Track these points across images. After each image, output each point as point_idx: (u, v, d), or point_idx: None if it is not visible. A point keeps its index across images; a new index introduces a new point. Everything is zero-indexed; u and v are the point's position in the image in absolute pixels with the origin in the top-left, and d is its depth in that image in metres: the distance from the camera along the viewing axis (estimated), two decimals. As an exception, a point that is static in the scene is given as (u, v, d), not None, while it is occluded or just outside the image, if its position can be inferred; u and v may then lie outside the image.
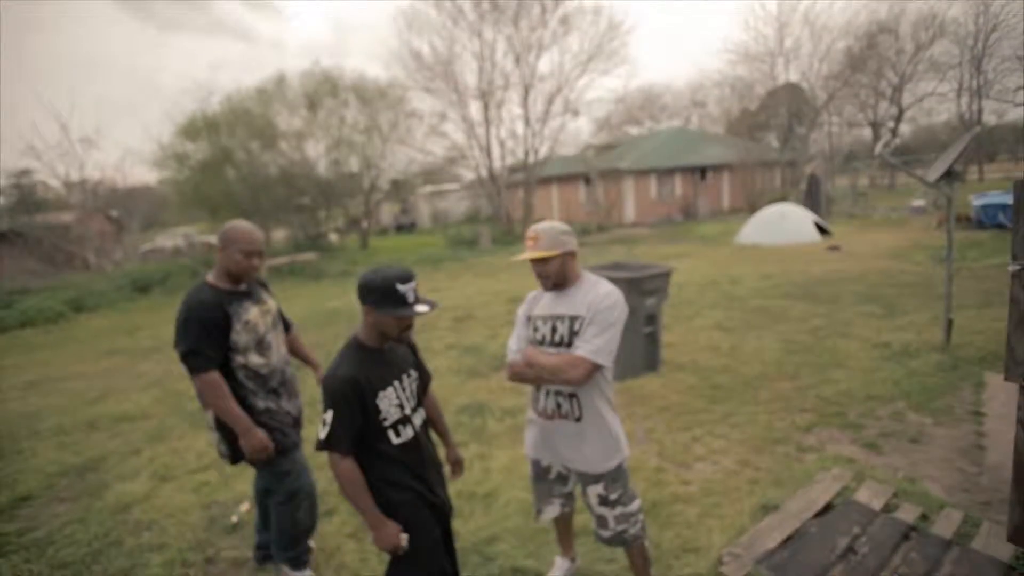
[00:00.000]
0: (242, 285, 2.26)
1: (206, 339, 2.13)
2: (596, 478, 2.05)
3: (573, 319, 1.98)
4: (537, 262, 1.99)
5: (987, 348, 4.83)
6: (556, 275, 2.01)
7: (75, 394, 5.98)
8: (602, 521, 2.10)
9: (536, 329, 2.09)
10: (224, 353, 2.19)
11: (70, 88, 53.60)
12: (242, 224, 2.25)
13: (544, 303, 2.10)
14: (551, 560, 2.53)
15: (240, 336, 2.18)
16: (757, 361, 5.13)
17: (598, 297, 1.97)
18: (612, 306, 1.95)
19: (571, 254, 2.03)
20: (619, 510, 2.06)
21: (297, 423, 2.46)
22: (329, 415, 1.66)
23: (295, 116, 17.46)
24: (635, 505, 2.11)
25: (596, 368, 1.91)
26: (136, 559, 2.85)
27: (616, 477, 2.06)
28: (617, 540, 2.10)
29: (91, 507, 3.43)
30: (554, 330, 2.03)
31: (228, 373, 2.20)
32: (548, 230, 1.99)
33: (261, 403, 2.27)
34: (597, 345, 1.91)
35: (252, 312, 2.24)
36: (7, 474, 4.02)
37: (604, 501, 2.06)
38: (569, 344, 1.98)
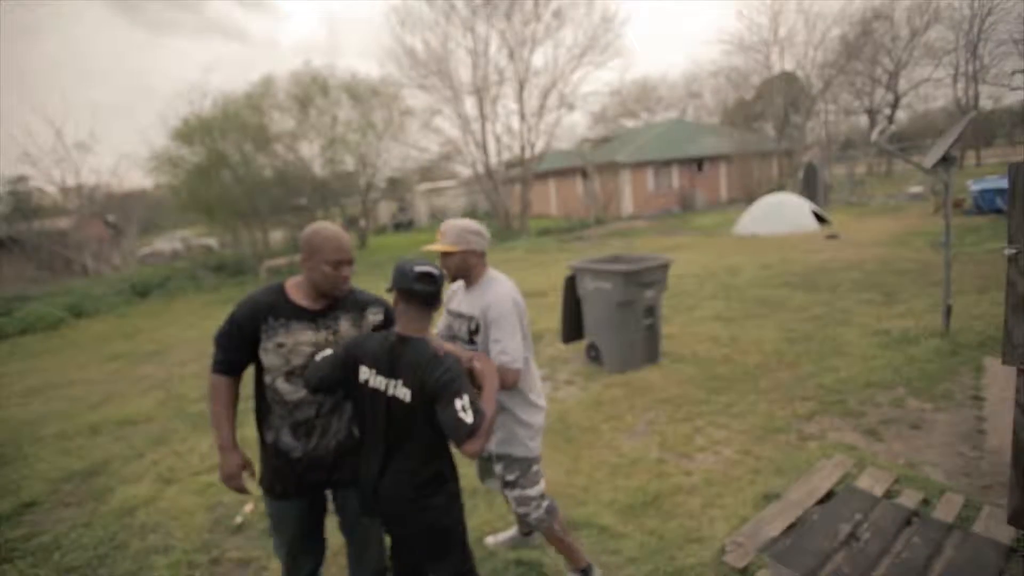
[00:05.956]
0: (320, 303, 1.92)
1: (227, 341, 1.90)
2: (498, 457, 2.23)
3: (470, 319, 2.13)
4: (440, 254, 2.11)
5: (986, 333, 4.84)
6: (455, 269, 2.13)
7: (77, 399, 5.98)
8: (509, 502, 2.29)
9: (449, 325, 2.25)
10: (246, 364, 1.94)
11: (63, 93, 53.51)
12: (326, 228, 1.91)
13: (456, 299, 2.25)
14: (553, 554, 2.55)
15: (268, 356, 1.88)
16: (757, 351, 5.14)
17: (492, 301, 2.07)
18: (508, 311, 2.05)
19: (474, 253, 2.11)
20: (517, 492, 2.21)
21: (314, 467, 1.94)
22: (467, 399, 1.60)
23: (287, 117, 17.41)
24: (534, 491, 2.23)
25: (518, 372, 2.06)
26: (142, 562, 2.86)
27: (511, 462, 2.21)
28: (524, 525, 2.30)
29: (96, 511, 3.44)
30: (460, 327, 2.20)
31: (261, 386, 1.94)
32: (455, 226, 2.10)
33: (270, 436, 1.94)
34: (508, 349, 2.02)
35: (299, 337, 1.88)
36: (11, 480, 4.03)
37: (504, 482, 2.24)
38: (469, 341, 2.14)
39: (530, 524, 2.26)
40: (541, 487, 2.27)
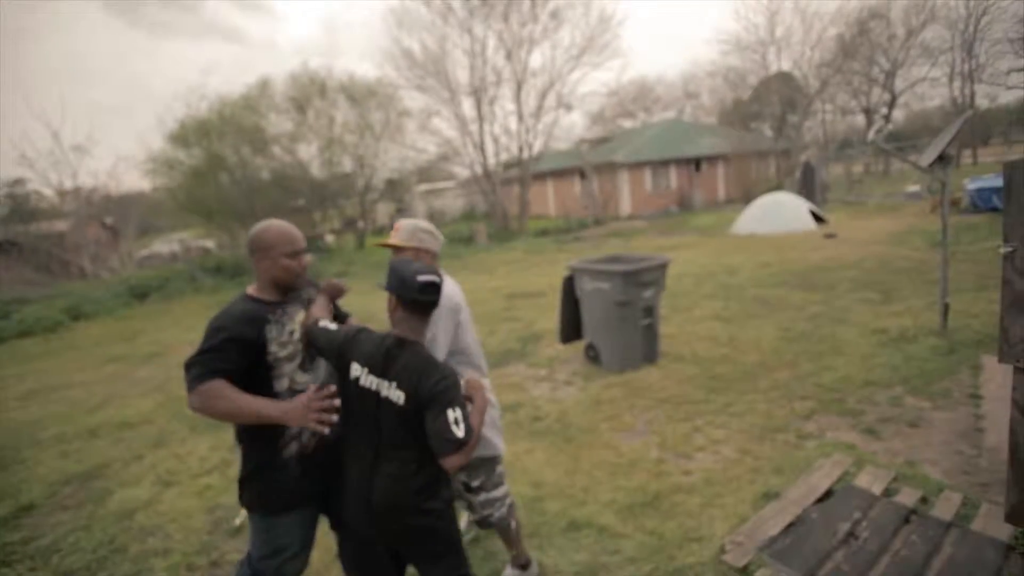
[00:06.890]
0: (282, 296, 1.90)
1: (219, 355, 1.73)
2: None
3: None
4: (392, 249, 2.14)
5: (984, 331, 4.85)
6: None
7: (76, 402, 5.97)
8: (470, 507, 2.28)
9: None
10: (240, 373, 1.76)
11: (61, 95, 53.47)
12: (273, 224, 1.91)
13: None
14: (552, 554, 2.55)
15: (285, 350, 1.83)
16: (755, 350, 5.15)
17: None
18: (443, 311, 2.04)
19: (426, 252, 2.14)
20: (483, 496, 2.23)
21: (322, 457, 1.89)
22: (460, 412, 1.55)
23: (284, 118, 17.40)
24: (500, 491, 2.26)
25: None
26: (141, 565, 2.86)
27: (476, 467, 2.20)
28: (483, 523, 2.28)
29: (95, 514, 3.44)
30: None
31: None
32: (409, 225, 2.17)
33: (291, 449, 1.83)
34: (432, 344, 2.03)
35: (298, 319, 1.88)
36: (10, 483, 4.02)
37: (467, 488, 2.23)
38: None
39: (491, 523, 2.26)
40: (506, 486, 2.31)
